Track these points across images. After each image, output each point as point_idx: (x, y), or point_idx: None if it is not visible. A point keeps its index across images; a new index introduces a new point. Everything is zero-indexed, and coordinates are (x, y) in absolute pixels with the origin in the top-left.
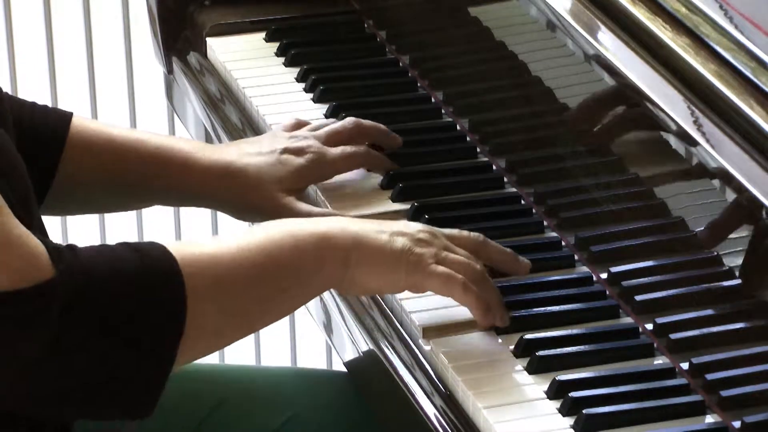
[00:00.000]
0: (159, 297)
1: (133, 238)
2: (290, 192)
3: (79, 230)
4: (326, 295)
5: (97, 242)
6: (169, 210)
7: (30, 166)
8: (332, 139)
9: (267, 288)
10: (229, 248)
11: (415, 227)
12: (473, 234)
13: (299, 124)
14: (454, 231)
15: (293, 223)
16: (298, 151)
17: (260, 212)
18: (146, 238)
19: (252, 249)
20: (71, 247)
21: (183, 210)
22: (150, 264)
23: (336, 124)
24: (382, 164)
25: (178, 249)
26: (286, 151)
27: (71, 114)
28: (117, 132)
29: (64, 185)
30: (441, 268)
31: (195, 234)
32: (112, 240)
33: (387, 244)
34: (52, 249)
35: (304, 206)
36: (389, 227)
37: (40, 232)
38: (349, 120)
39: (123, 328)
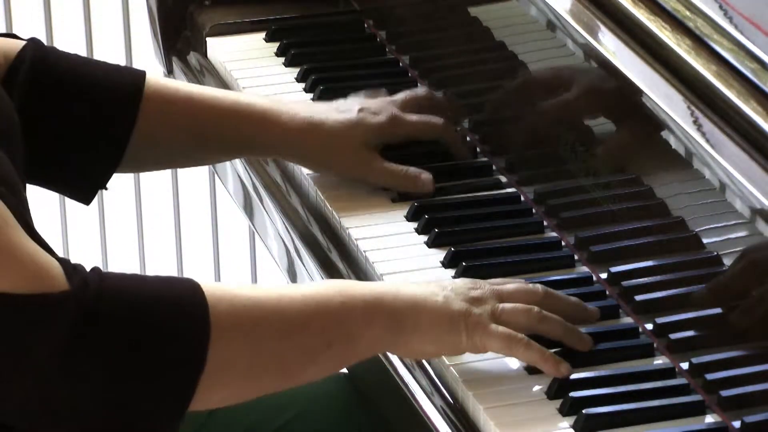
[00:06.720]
0: (180, 328)
1: (132, 226)
2: (369, 148)
3: (78, 220)
4: None
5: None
6: (169, 202)
7: (106, 126)
8: (408, 105)
9: (310, 337)
10: (271, 293)
11: (464, 284)
12: (531, 288)
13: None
14: (510, 287)
15: (344, 283)
16: (375, 110)
17: (339, 166)
18: (145, 225)
19: (296, 298)
20: (95, 269)
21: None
22: (175, 294)
23: (411, 91)
24: (455, 140)
25: (210, 285)
26: (363, 110)
27: (144, 72)
28: (192, 89)
29: (142, 143)
30: (501, 329)
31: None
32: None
33: (444, 307)
34: (67, 264)
35: (382, 163)
36: (441, 288)
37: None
38: (424, 89)
39: (136, 357)
